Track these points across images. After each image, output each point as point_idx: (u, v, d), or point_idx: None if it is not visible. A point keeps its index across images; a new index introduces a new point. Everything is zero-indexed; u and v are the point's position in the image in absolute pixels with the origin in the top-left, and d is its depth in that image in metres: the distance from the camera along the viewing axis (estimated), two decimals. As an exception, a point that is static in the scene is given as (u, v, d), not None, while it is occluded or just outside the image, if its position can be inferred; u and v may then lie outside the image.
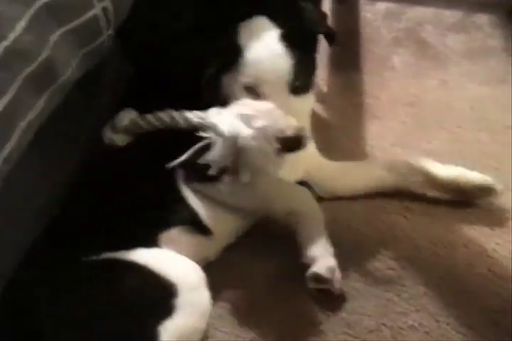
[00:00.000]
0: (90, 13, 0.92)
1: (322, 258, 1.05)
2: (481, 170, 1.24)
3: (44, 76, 0.87)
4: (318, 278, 1.04)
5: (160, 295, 0.91)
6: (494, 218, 1.22)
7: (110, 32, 0.98)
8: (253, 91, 1.09)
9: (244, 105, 1.05)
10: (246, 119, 1.00)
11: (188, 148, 1.04)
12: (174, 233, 1.05)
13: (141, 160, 1.08)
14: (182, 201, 1.08)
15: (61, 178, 1.06)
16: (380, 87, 1.60)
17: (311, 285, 1.05)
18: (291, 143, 1.01)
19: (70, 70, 0.92)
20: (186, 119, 1.05)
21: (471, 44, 1.75)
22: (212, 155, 1.00)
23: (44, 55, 0.85)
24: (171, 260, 0.98)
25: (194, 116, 1.05)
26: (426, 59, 1.71)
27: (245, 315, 1.08)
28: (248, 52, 1.08)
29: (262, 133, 0.99)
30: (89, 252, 0.96)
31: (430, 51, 1.74)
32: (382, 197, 1.27)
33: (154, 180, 1.07)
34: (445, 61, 1.69)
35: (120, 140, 1.10)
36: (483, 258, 1.15)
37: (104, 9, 0.94)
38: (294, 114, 1.04)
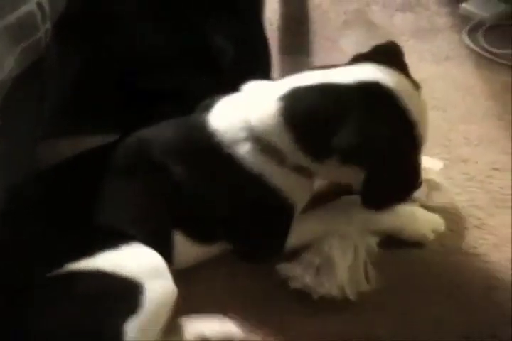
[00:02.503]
0: (25, 8, 0.91)
1: None
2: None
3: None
4: None
5: (124, 297, 0.91)
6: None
7: (48, 26, 0.97)
8: None
9: None
10: None
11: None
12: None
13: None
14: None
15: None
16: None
17: None
18: None
19: (8, 68, 0.90)
20: None
21: (418, 23, 1.78)
22: None
23: (-21, 54, 0.84)
24: (135, 257, 0.96)
25: None
26: (375, 40, 1.67)
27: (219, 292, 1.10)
28: None
29: None
30: (52, 266, 0.93)
31: (379, 32, 1.75)
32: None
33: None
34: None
35: None
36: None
37: (39, 4, 0.92)
38: None
